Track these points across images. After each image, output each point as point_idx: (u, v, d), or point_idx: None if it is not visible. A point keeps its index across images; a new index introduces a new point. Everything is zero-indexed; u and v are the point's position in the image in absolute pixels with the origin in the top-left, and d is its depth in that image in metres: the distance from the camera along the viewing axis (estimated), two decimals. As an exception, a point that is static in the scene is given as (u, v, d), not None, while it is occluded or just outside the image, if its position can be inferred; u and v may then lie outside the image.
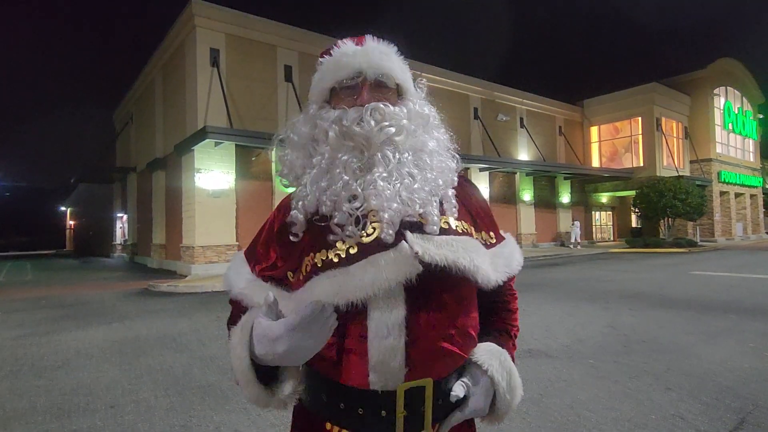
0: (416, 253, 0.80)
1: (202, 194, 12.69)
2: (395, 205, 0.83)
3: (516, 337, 1.04)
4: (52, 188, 55.60)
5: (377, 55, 0.92)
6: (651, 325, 5.24)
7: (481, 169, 19.59)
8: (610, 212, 27.26)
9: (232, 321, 0.96)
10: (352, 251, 0.83)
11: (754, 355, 4.00)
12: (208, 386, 3.58)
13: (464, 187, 1.00)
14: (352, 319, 0.81)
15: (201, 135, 11.71)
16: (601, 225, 26.73)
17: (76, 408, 3.23)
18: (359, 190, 0.85)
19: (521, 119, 23.03)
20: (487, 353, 0.91)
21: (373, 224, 0.84)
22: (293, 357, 0.77)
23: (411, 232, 0.84)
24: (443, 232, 0.87)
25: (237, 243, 13.14)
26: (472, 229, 0.95)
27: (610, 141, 26.55)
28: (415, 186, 0.86)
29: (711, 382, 3.36)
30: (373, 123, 0.87)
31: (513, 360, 0.98)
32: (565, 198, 23.90)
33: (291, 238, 0.91)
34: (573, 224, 17.74)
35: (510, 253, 1.02)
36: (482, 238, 0.97)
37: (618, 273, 10.94)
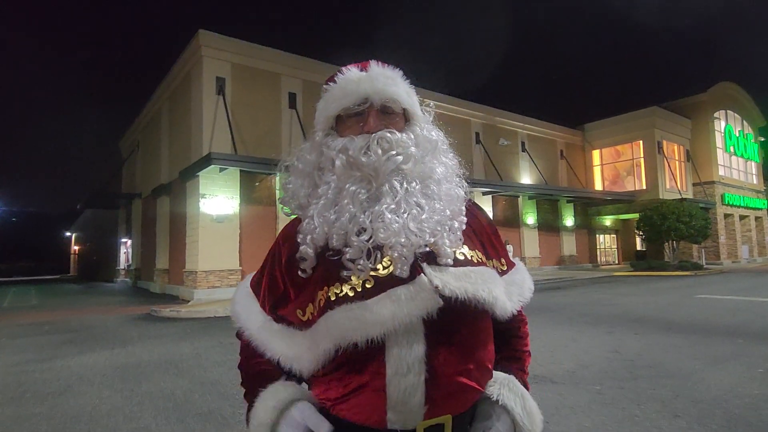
0: (436, 286, 0.79)
1: (206, 219, 12.77)
2: (403, 239, 0.80)
3: (525, 360, 1.02)
4: (58, 214, 56.07)
5: (382, 80, 0.90)
6: (657, 350, 5.17)
7: (484, 193, 19.68)
8: (614, 235, 27.15)
9: (246, 365, 0.96)
10: (369, 285, 0.80)
11: (764, 381, 3.93)
12: (209, 412, 3.55)
13: (473, 214, 0.98)
14: (369, 355, 0.78)
15: (206, 161, 11.87)
16: (605, 248, 26.59)
17: (77, 435, 3.21)
18: (367, 222, 0.83)
19: (522, 143, 23.24)
20: (495, 384, 0.89)
21: (387, 257, 0.82)
22: None
23: (426, 263, 0.82)
24: (459, 263, 0.84)
25: (240, 268, 13.15)
26: (484, 257, 0.93)
27: (611, 164, 26.66)
28: (423, 216, 0.84)
29: (720, 410, 3.30)
30: (380, 152, 0.85)
31: (526, 384, 0.96)
32: (569, 221, 23.87)
33: (300, 274, 0.87)
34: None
35: (522, 280, 1.01)
36: (494, 266, 0.95)
37: (622, 296, 10.83)
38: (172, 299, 13.39)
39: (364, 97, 0.89)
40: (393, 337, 0.77)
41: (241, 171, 13.15)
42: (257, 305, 0.97)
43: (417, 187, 0.88)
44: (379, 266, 0.82)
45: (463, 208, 0.93)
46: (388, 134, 0.87)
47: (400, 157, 0.86)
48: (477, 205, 1.04)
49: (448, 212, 0.88)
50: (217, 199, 12.94)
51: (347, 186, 0.86)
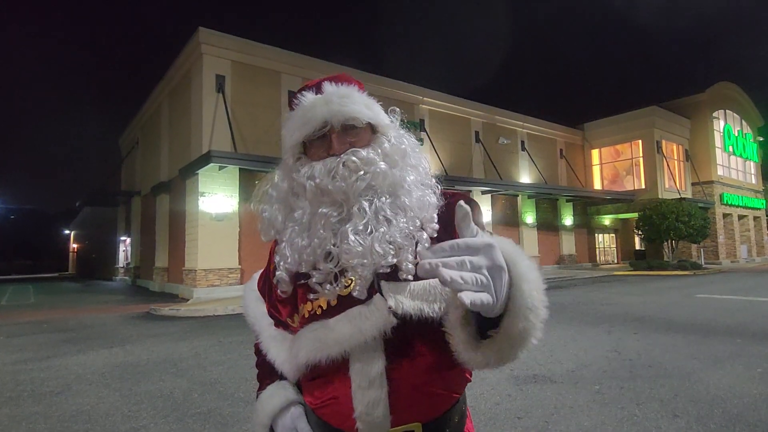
0: (389, 307, 0.80)
1: (206, 217, 12.75)
2: (366, 260, 0.81)
3: None
4: (57, 212, 56.07)
5: (337, 100, 0.89)
6: (656, 350, 5.17)
7: (483, 192, 19.68)
8: (613, 234, 27.17)
9: (258, 357, 1.05)
10: (333, 303, 0.84)
11: (762, 381, 3.94)
12: (209, 412, 3.54)
13: (450, 208, 0.92)
14: (336, 369, 0.83)
15: (205, 159, 11.85)
16: (604, 247, 26.62)
17: (75, 435, 3.19)
18: (334, 248, 0.84)
19: (522, 142, 23.24)
20: None
21: (350, 276, 0.84)
22: None
23: (387, 281, 0.83)
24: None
25: (240, 266, 13.15)
26: None
27: (611, 164, 26.68)
28: (388, 237, 0.83)
29: (719, 409, 3.30)
30: (347, 174, 0.86)
31: None
32: (568, 220, 23.89)
33: (281, 294, 0.93)
34: None
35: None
36: None
37: (622, 296, 10.84)
38: (172, 298, 13.37)
39: (323, 122, 0.89)
40: (354, 353, 0.81)
41: (240, 169, 13.13)
42: (264, 308, 1.04)
43: (387, 201, 0.87)
44: (342, 285, 0.85)
45: (435, 215, 0.90)
46: (353, 157, 0.87)
47: (368, 176, 0.86)
48: (457, 193, 0.99)
49: (418, 222, 0.87)
50: (217, 197, 12.93)
51: (319, 210, 0.87)
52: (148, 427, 3.28)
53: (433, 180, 0.96)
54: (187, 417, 3.45)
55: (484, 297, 0.60)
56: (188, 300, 12.19)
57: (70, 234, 45.22)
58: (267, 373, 1.01)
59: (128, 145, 23.42)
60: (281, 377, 0.98)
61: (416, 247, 0.86)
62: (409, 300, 0.81)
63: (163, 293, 15.21)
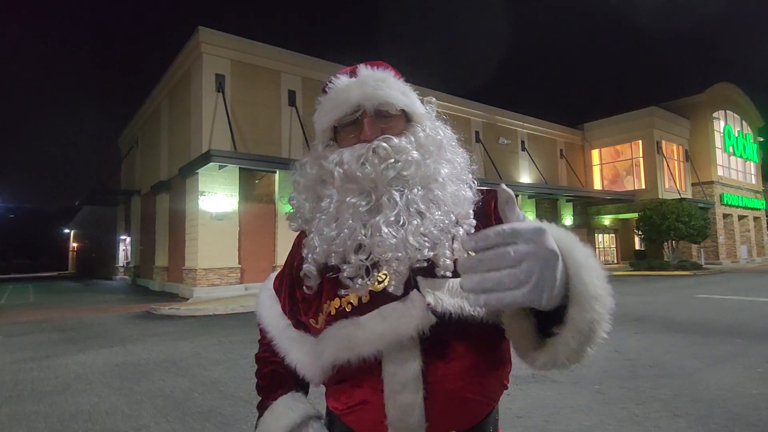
0: (428, 303, 0.75)
1: (206, 217, 12.75)
2: (400, 254, 0.77)
3: None
4: (56, 210, 56.09)
5: (372, 84, 0.85)
6: (657, 350, 5.18)
7: (483, 192, 19.71)
8: (613, 234, 27.18)
9: (264, 362, 0.98)
10: (364, 300, 0.79)
11: (763, 381, 3.94)
12: (209, 411, 3.54)
13: (486, 203, 0.90)
14: (367, 371, 0.77)
15: (205, 158, 11.85)
16: (604, 248, 26.62)
17: (76, 434, 3.19)
18: (366, 238, 0.79)
19: (522, 142, 23.25)
20: None
21: (384, 271, 0.79)
22: None
23: (423, 276, 0.78)
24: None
25: (239, 266, 13.14)
26: None
27: (611, 164, 26.69)
28: (422, 229, 0.79)
29: (720, 409, 3.30)
30: (377, 162, 0.81)
31: None
32: (568, 220, 23.89)
33: (306, 290, 0.87)
34: None
35: None
36: None
37: (622, 296, 10.84)
38: (172, 297, 13.37)
39: (356, 105, 0.84)
40: (388, 354, 0.76)
41: (240, 168, 13.13)
42: (279, 308, 0.98)
43: (419, 193, 0.82)
44: (375, 280, 0.79)
45: (471, 211, 0.85)
46: (384, 143, 0.82)
47: (399, 164, 0.81)
48: (493, 189, 0.91)
49: (453, 217, 0.82)
50: (217, 196, 12.92)
51: (347, 199, 0.83)
52: (148, 427, 3.27)
53: (470, 175, 0.92)
54: (187, 416, 3.45)
55: (509, 296, 0.55)
56: (188, 299, 12.19)
57: (69, 233, 45.21)
58: (277, 383, 0.93)
59: (128, 144, 23.41)
60: (296, 389, 0.93)
61: (452, 243, 0.81)
62: (448, 297, 0.76)
63: (163, 292, 15.20)
